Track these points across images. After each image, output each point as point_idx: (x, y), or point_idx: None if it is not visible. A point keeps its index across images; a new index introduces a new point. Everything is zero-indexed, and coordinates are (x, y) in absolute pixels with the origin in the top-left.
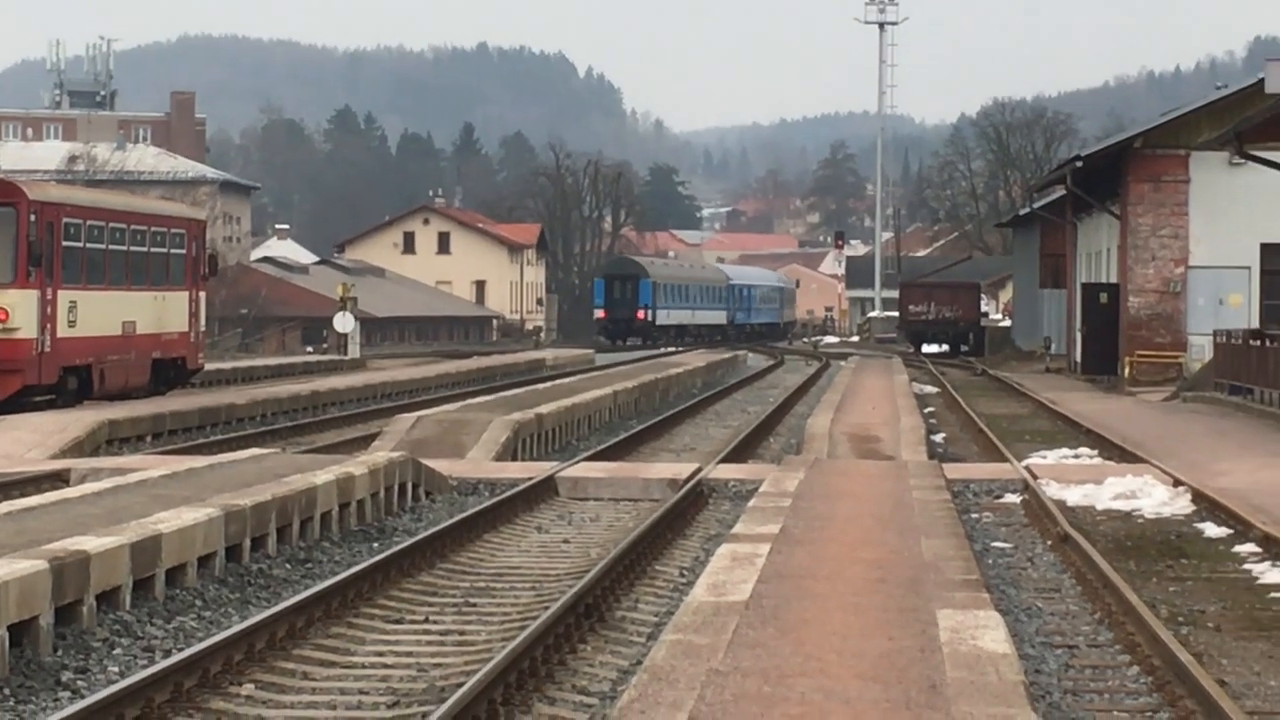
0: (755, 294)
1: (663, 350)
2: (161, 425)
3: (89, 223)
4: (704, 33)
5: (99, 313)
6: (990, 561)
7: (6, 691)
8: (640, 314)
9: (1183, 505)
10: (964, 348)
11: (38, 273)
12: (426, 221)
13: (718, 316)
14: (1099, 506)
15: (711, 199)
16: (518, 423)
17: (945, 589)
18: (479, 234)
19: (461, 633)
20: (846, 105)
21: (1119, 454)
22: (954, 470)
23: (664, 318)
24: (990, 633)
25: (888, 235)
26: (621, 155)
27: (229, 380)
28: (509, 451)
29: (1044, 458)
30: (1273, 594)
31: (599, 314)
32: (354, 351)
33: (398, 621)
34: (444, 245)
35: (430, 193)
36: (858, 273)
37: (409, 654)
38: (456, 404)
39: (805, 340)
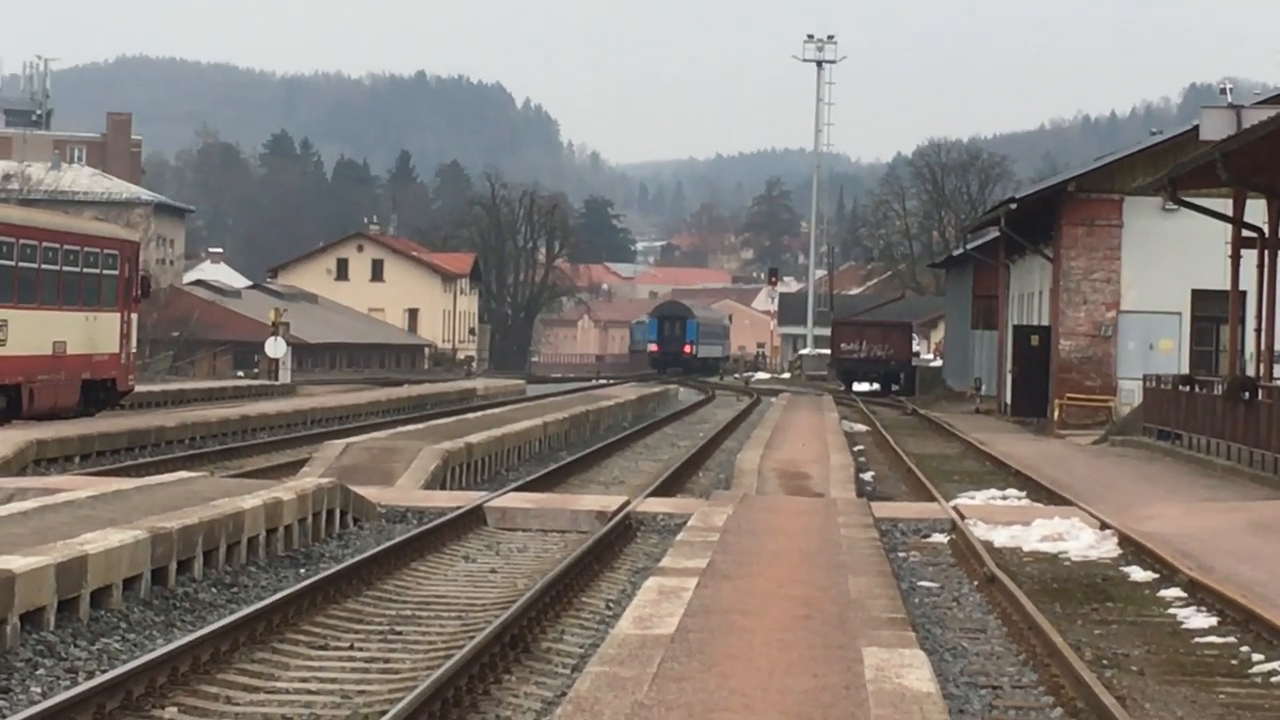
0: (730, 331)
1: (601, 381)
2: (90, 446)
3: (21, 241)
4: (642, 67)
5: (29, 332)
6: (916, 600)
7: None
8: (686, 348)
9: (1109, 548)
10: (895, 387)
11: None
12: (360, 248)
13: (722, 350)
14: (1026, 548)
15: (646, 233)
16: (447, 451)
17: (871, 627)
18: (413, 262)
19: (386, 660)
20: (783, 142)
21: (1047, 496)
22: (882, 509)
23: (703, 351)
24: (915, 671)
25: (821, 273)
26: (557, 187)
27: (159, 403)
28: (438, 480)
29: (972, 498)
30: (1197, 639)
31: (652, 347)
32: (285, 377)
33: (323, 648)
34: (378, 273)
35: (365, 220)
36: (790, 310)
37: (333, 681)
38: (386, 431)
39: (737, 376)
